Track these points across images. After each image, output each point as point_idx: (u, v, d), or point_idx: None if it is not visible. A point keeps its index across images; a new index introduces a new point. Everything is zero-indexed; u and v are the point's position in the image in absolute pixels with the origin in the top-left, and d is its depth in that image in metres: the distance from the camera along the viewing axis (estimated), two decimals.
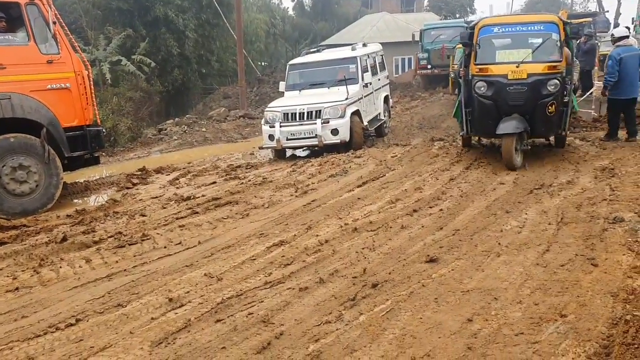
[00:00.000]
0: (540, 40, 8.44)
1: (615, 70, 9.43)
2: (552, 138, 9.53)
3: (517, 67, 8.24)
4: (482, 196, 6.95)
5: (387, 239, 5.58)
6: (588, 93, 13.86)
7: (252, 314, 4.07)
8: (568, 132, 9.41)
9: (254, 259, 5.28)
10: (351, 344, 3.54)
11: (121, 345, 3.73)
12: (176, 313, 4.19)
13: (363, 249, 5.35)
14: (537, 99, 8.24)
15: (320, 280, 4.62)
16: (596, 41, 17.47)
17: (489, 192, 7.10)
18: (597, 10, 40.95)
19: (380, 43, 15.08)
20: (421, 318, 3.83)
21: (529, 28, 8.65)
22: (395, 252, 5.19)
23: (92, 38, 22.66)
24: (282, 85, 12.41)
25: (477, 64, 8.69)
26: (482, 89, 8.50)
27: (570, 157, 8.78)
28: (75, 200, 8.96)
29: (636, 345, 3.05)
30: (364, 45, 13.18)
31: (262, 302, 4.28)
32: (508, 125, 8.21)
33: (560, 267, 4.55)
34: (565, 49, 8.51)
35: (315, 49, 14.58)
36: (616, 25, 29.77)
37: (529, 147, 8.63)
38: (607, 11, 37.71)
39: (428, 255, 4.98)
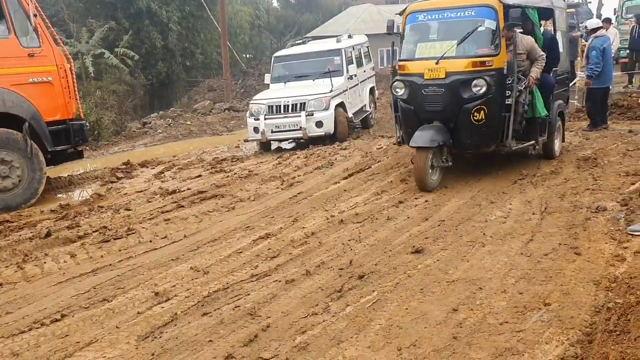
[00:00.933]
0: (470, 30, 6.91)
1: (600, 60, 9.57)
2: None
3: (436, 64, 6.85)
4: (466, 187, 6.99)
5: (373, 231, 5.60)
6: (571, 84, 13.95)
7: (238, 307, 4.07)
8: (558, 143, 8.22)
9: (240, 252, 5.27)
10: (338, 335, 3.56)
11: (107, 339, 3.72)
12: (162, 307, 4.18)
13: (349, 240, 5.36)
14: (458, 103, 6.83)
15: (306, 273, 4.63)
16: (579, 32, 17.59)
17: (474, 183, 7.14)
18: (580, 1, 41.19)
19: (365, 35, 15.07)
20: (407, 308, 3.85)
21: (459, 14, 7.07)
22: (381, 244, 5.21)
23: (74, 31, 22.45)
24: (267, 78, 12.45)
25: (400, 60, 7.42)
26: (399, 91, 7.24)
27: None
28: (59, 195, 8.89)
29: (618, 332, 3.10)
30: (350, 36, 13.20)
31: (248, 295, 4.28)
32: (421, 137, 6.79)
33: (544, 256, 4.60)
34: (527, 39, 7.23)
35: (300, 41, 14.59)
36: (598, 16, 29.99)
37: (450, 163, 7.12)
38: (590, 2, 37.92)
39: (414, 246, 5.00)
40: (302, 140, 11.53)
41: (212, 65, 29.62)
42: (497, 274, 4.32)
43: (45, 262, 5.37)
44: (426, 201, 6.49)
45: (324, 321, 3.76)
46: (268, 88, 12.39)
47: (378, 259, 4.83)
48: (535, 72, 7.15)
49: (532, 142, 7.52)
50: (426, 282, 4.27)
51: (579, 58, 14.59)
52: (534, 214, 5.73)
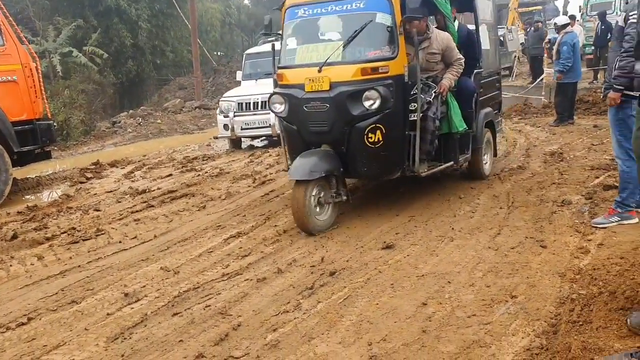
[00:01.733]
0: (358, 27, 5.46)
1: (571, 55, 9.79)
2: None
3: (318, 71, 5.44)
4: (436, 183, 7.07)
5: (344, 227, 5.63)
6: (538, 80, 14.20)
7: (209, 306, 4.06)
8: (488, 159, 7.17)
9: (211, 252, 5.26)
10: (309, 332, 3.57)
11: (76, 342, 3.67)
12: (132, 308, 4.14)
13: (321, 237, 5.38)
14: (348, 122, 5.43)
15: (278, 271, 4.63)
16: (545, 29, 17.90)
17: (443, 179, 7.22)
18: None
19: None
20: (377, 304, 3.89)
21: (346, 7, 5.65)
22: (353, 240, 5.25)
23: (40, 29, 22.01)
24: (239, 75, 12.50)
25: (278, 68, 6.06)
26: (278, 107, 5.82)
27: (520, 143, 9.00)
28: (27, 197, 8.74)
29: (581, 323, 3.17)
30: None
31: (219, 294, 4.28)
32: (300, 167, 5.35)
33: (510, 249, 4.68)
34: (443, 37, 6.01)
35: (273, 38, 14.56)
36: (564, 13, 30.50)
37: (345, 197, 5.73)
38: None
39: (384, 242, 5.05)
40: (274, 138, 11.52)
41: (183, 63, 29.36)
42: (465, 267, 4.39)
43: (11, 265, 5.28)
44: (397, 197, 6.55)
45: (295, 318, 3.78)
46: (239, 85, 12.38)
47: (349, 256, 4.86)
48: (449, 78, 5.95)
49: (451, 162, 6.29)
50: (396, 277, 4.31)
51: (545, 54, 14.87)
52: (501, 208, 5.82)
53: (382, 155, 5.58)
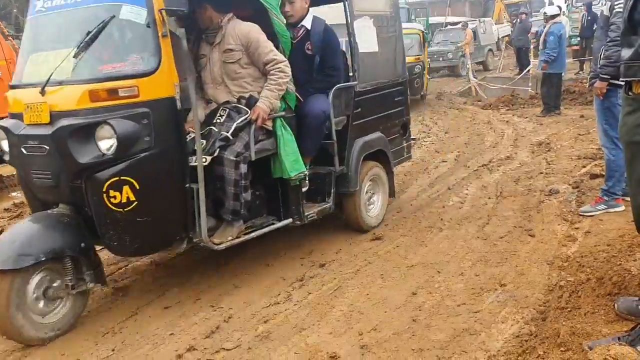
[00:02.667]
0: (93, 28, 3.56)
1: (557, 45, 9.85)
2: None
3: (41, 94, 3.52)
4: (425, 174, 7.10)
5: (333, 219, 5.63)
6: (525, 71, 14.27)
7: (200, 299, 4.06)
8: (378, 205, 5.46)
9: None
10: (300, 322, 3.58)
11: (66, 336, 3.65)
12: (123, 302, 4.13)
13: (310, 229, 5.38)
14: (76, 173, 3.50)
15: (267, 264, 4.64)
16: (531, 20, 17.99)
17: (432, 170, 7.26)
18: None
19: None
20: (367, 294, 3.90)
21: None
22: (342, 232, 5.25)
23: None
24: None
25: (10, 87, 4.00)
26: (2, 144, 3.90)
27: (508, 134, 9.06)
28: (14, 194, 8.64)
29: (569, 309, 3.20)
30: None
31: (210, 287, 4.27)
32: (7, 245, 3.50)
33: (499, 239, 4.71)
34: (241, 28, 4.18)
35: None
36: (550, 4, 30.60)
37: (96, 284, 3.82)
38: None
39: (374, 234, 5.07)
40: None
41: None
42: (454, 257, 4.42)
43: None
44: None
45: (285, 310, 3.79)
46: None
47: (339, 247, 4.87)
48: (267, 98, 4.11)
49: (289, 220, 4.51)
50: (386, 268, 4.33)
51: (532, 46, 14.94)
52: (489, 198, 5.86)
53: (140, 223, 3.60)
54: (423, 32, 14.20)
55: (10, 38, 8.75)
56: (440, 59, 19.20)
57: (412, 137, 6.26)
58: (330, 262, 4.55)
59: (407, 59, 10.46)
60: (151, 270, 4.71)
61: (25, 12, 4.44)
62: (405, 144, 5.91)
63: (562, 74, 10.66)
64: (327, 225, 5.46)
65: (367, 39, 5.07)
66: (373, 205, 5.37)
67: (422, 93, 13.82)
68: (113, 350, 3.43)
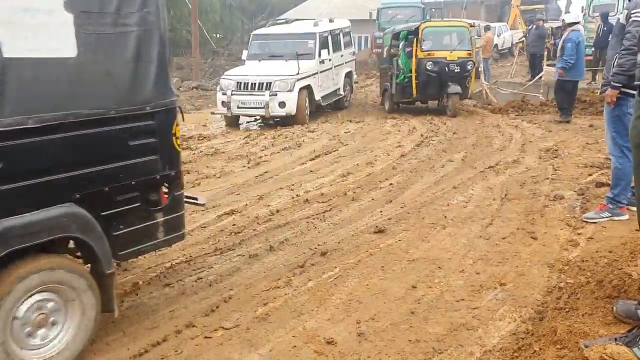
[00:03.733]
0: None
1: (575, 52, 9.81)
2: None
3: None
4: (431, 172, 7.11)
5: (337, 211, 5.67)
6: (537, 77, 14.24)
7: (201, 278, 4.10)
8: None
9: (205, 227, 5.28)
10: (299, 307, 3.61)
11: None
12: (125, 277, 4.17)
13: (314, 219, 5.42)
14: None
15: (270, 248, 4.67)
16: (547, 27, 17.92)
17: (438, 169, 7.27)
18: None
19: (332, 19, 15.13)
20: (367, 285, 3.93)
21: None
22: (345, 223, 5.28)
23: None
24: (244, 54, 12.94)
25: None
26: None
27: (516, 139, 9.05)
28: None
29: (567, 310, 3.23)
30: (331, 20, 13.44)
31: (211, 267, 4.31)
32: None
33: (502, 239, 4.73)
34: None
35: (283, 20, 14.84)
36: (567, 12, 30.45)
37: None
38: None
39: (377, 227, 5.09)
40: (270, 122, 11.65)
41: (181, 43, 29.17)
42: (456, 254, 4.44)
43: None
44: (391, 184, 6.59)
45: (285, 294, 3.82)
46: (244, 64, 12.69)
47: (341, 238, 4.90)
48: None
49: None
50: (387, 261, 4.35)
51: (545, 53, 14.89)
52: (494, 199, 5.87)
53: None
54: (471, 25, 13.43)
55: None
56: None
57: (200, 202, 4.23)
58: (331, 251, 4.58)
59: (456, 54, 11.73)
60: None
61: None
62: (159, 219, 3.43)
63: (579, 82, 10.61)
64: (329, 215, 5.50)
65: (34, 33, 2.75)
66: (48, 341, 2.92)
67: (469, 95, 12.88)
68: (113, 322, 3.46)
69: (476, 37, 14.81)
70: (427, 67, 11.75)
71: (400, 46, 12.49)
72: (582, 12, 20.33)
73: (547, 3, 29.16)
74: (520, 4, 27.22)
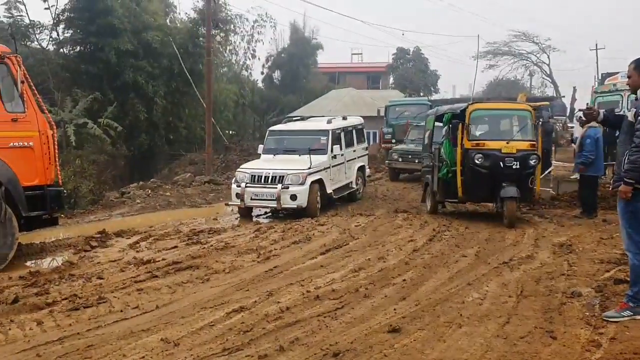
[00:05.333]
0: None
1: (594, 148, 9.94)
2: None
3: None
4: (444, 268, 7.00)
5: (349, 308, 5.53)
6: (547, 172, 14.32)
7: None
8: None
9: (213, 325, 5.15)
10: None
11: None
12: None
13: (325, 317, 5.28)
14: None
15: (280, 348, 4.52)
16: (553, 123, 18.26)
17: (452, 264, 7.16)
18: (554, 95, 42.91)
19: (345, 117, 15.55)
20: None
21: None
22: (358, 321, 5.14)
23: (58, 100, 22.60)
24: (260, 148, 13.40)
25: None
26: None
27: (529, 233, 8.97)
28: (30, 262, 8.67)
29: None
30: (344, 118, 13.95)
31: None
32: None
33: (520, 339, 4.57)
34: None
35: (298, 117, 15.48)
36: (572, 110, 31.16)
37: None
38: (564, 96, 39.61)
39: (390, 325, 4.94)
40: (280, 215, 11.73)
41: (195, 139, 29.86)
42: (473, 355, 4.27)
43: (10, 329, 5.17)
44: (404, 280, 6.47)
45: None
46: (259, 158, 13.13)
47: (354, 337, 4.74)
48: None
49: None
50: None
51: (553, 147, 15.06)
52: (510, 296, 5.73)
53: None
54: (535, 109, 11.10)
55: (46, 111, 9.04)
56: None
57: None
58: (344, 351, 4.42)
59: (514, 146, 9.69)
60: (160, 346, 4.61)
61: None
62: None
63: (600, 177, 10.68)
64: (340, 313, 5.36)
65: None
66: None
67: (533, 197, 10.79)
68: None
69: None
70: (476, 161, 9.73)
71: (444, 132, 10.91)
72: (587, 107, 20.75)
73: (553, 100, 29.86)
74: (526, 100, 27.88)
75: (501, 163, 9.66)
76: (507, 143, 9.78)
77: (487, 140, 10.01)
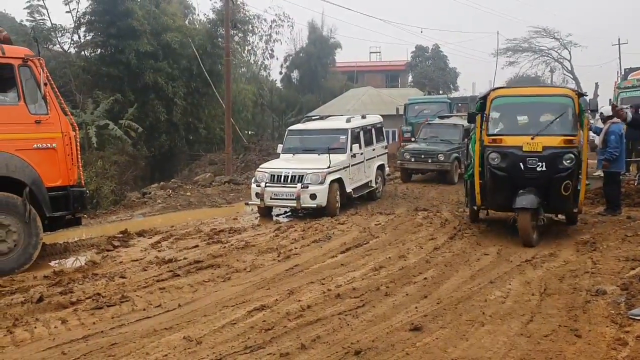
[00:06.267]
0: None
1: (619, 144, 9.80)
2: None
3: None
4: (466, 266, 6.95)
5: (370, 306, 5.52)
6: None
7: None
8: None
9: (235, 323, 5.17)
10: None
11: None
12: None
13: (346, 315, 5.27)
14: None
15: (301, 346, 4.53)
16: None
17: (473, 262, 7.11)
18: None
19: (364, 115, 15.49)
20: None
21: None
22: (379, 320, 5.13)
23: (80, 102, 22.87)
24: (279, 148, 13.40)
25: None
26: None
27: (551, 231, 8.86)
28: (54, 262, 8.78)
29: None
30: (363, 117, 13.90)
31: None
32: None
33: (544, 337, 4.52)
34: None
35: (317, 117, 15.46)
36: (595, 106, 30.59)
37: None
38: (586, 93, 39.01)
39: (412, 324, 4.93)
40: (300, 215, 11.73)
41: (215, 139, 30.01)
42: (496, 353, 4.24)
43: (35, 327, 5.25)
44: (425, 279, 6.44)
45: None
46: (278, 157, 13.16)
47: (375, 335, 4.73)
48: None
49: None
50: None
51: None
52: (533, 295, 5.67)
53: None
54: (580, 95, 8.74)
55: (69, 113, 9.15)
56: None
57: None
58: (366, 350, 4.42)
59: (543, 142, 7.85)
60: (183, 344, 4.64)
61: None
62: None
63: (623, 173, 10.53)
64: (361, 311, 5.35)
65: None
66: None
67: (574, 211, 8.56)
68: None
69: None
70: (491, 162, 8.12)
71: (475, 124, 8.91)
72: (610, 104, 20.46)
73: None
74: None
75: (521, 164, 7.90)
76: (532, 139, 7.93)
77: (505, 136, 8.28)
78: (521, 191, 7.90)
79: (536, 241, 7.87)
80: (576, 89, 8.15)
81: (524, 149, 7.95)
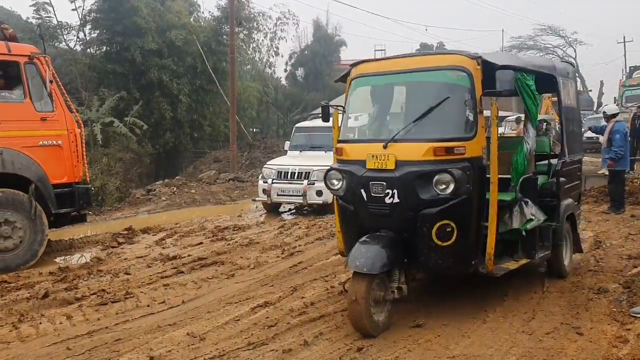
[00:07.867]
0: None
1: (624, 143, 9.83)
2: None
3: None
4: None
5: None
6: None
7: None
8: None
9: (238, 320, 5.21)
10: None
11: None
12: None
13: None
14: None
15: (304, 343, 4.56)
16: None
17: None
18: (581, 89, 42.28)
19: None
20: None
21: None
22: None
23: (85, 99, 22.97)
24: (286, 145, 13.73)
25: None
26: None
27: None
28: (59, 258, 8.84)
29: None
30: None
31: None
32: None
33: (545, 335, 4.54)
34: None
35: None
36: (599, 104, 30.66)
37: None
38: (591, 90, 39.00)
39: (414, 321, 4.95)
40: (304, 212, 11.79)
41: (219, 137, 30.09)
42: (498, 350, 4.26)
43: (40, 323, 5.30)
44: (426, 278, 6.45)
45: None
46: (285, 154, 13.40)
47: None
48: None
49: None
50: (426, 357, 4.20)
51: None
52: (535, 292, 5.69)
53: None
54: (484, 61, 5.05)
55: (74, 110, 9.21)
56: None
57: None
58: (368, 346, 4.45)
59: (401, 153, 4.74)
60: (187, 340, 4.68)
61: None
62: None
63: (627, 171, 10.55)
64: None
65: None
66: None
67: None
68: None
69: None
70: (330, 186, 5.68)
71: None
72: (615, 102, 20.45)
73: (579, 94, 29.45)
74: (552, 105, 27.51)
75: (362, 191, 4.97)
76: (385, 147, 4.90)
77: (350, 143, 5.61)
78: (363, 238, 4.84)
79: (381, 328, 4.69)
80: (477, 53, 4.91)
81: (367, 166, 4.98)
